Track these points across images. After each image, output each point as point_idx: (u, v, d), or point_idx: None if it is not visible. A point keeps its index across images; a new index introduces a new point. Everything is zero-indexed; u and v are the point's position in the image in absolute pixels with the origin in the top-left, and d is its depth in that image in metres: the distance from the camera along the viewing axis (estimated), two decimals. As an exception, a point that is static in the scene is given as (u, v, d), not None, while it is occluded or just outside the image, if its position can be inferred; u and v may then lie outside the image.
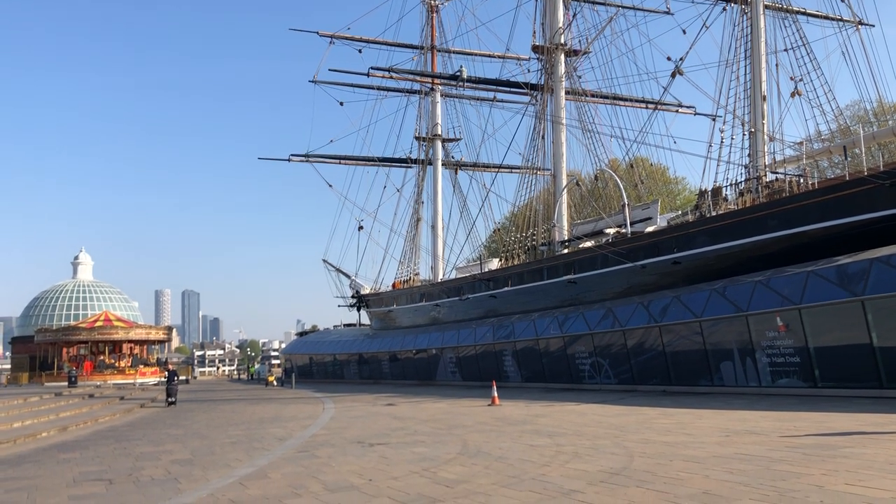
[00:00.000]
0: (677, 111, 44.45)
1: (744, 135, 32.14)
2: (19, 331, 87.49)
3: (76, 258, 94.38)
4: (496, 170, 52.27)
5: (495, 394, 24.75)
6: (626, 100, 42.74)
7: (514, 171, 49.71)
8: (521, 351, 35.51)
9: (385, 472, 11.26)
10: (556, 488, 9.34)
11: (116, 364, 67.75)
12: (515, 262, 41.55)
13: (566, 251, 37.58)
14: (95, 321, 70.08)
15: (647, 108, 42.16)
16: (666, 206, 43.67)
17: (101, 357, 67.94)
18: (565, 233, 39.87)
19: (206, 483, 11.09)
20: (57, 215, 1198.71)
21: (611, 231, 34.76)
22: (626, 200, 34.16)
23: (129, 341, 71.06)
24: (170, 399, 33.24)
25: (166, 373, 38.30)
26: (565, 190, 40.77)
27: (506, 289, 38.72)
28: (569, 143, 41.77)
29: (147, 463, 13.69)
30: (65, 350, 69.89)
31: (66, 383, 54.02)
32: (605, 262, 31.97)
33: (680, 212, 35.32)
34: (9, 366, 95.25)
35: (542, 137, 41.48)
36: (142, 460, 14.12)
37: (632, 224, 33.20)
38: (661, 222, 33.03)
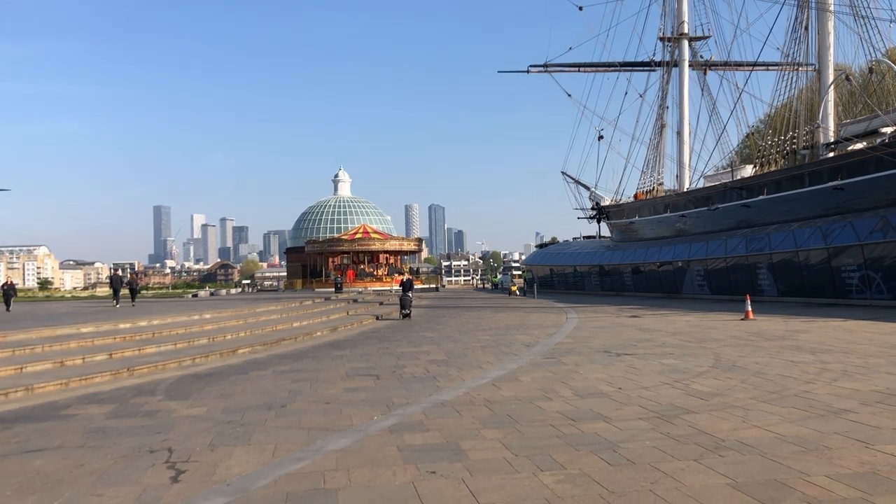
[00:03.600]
0: (979, -16, 37.71)
1: None
2: (291, 242, 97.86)
3: (336, 176, 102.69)
4: (750, 68, 48.07)
5: (749, 307, 23.57)
6: (911, -24, 36.98)
7: (770, 68, 45.60)
8: (777, 263, 33.27)
9: (634, 382, 11.21)
10: (824, 406, 8.73)
11: (374, 272, 73.70)
12: (772, 169, 38.46)
13: (832, 155, 34.07)
14: (355, 234, 76.35)
15: (938, -17, 36.25)
16: (959, 99, 37.66)
17: (361, 266, 74.22)
18: (831, 134, 36.00)
19: (462, 383, 11.78)
20: (317, 134, 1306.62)
21: (887, 130, 30.91)
22: (907, 94, 30.04)
23: (385, 252, 76.81)
24: (404, 311, 29.29)
25: (400, 282, 33.73)
26: (832, 86, 36.64)
27: (761, 197, 36.07)
28: (837, 32, 37.27)
29: (408, 362, 14.81)
30: (330, 259, 77.22)
31: (332, 289, 59.90)
32: (879, 166, 28.54)
33: (978, 104, 30.39)
34: (285, 273, 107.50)
35: (805, 28, 37.28)
36: (403, 359, 15.31)
37: (915, 121, 29.24)
38: (952, 118, 28.77)
